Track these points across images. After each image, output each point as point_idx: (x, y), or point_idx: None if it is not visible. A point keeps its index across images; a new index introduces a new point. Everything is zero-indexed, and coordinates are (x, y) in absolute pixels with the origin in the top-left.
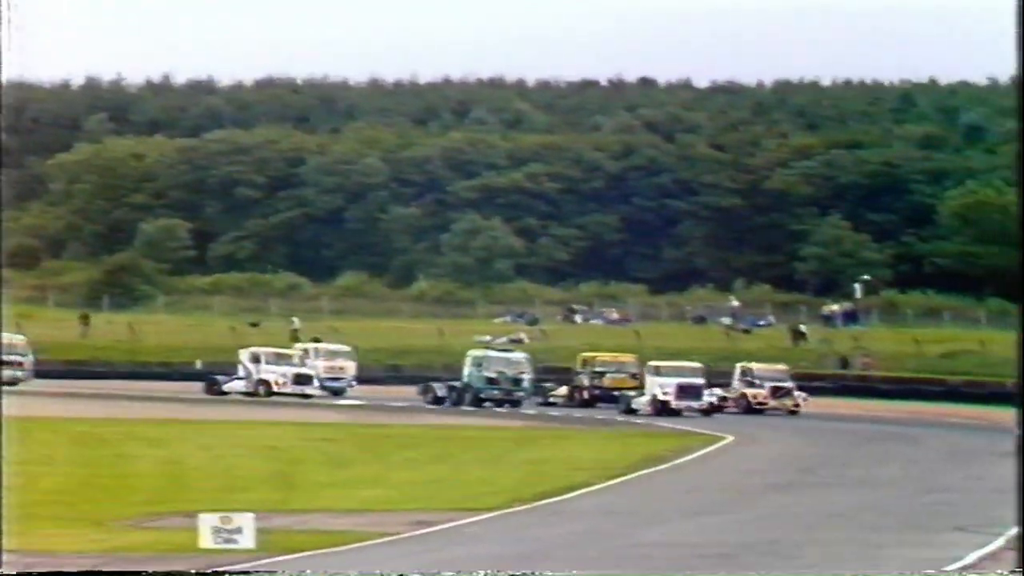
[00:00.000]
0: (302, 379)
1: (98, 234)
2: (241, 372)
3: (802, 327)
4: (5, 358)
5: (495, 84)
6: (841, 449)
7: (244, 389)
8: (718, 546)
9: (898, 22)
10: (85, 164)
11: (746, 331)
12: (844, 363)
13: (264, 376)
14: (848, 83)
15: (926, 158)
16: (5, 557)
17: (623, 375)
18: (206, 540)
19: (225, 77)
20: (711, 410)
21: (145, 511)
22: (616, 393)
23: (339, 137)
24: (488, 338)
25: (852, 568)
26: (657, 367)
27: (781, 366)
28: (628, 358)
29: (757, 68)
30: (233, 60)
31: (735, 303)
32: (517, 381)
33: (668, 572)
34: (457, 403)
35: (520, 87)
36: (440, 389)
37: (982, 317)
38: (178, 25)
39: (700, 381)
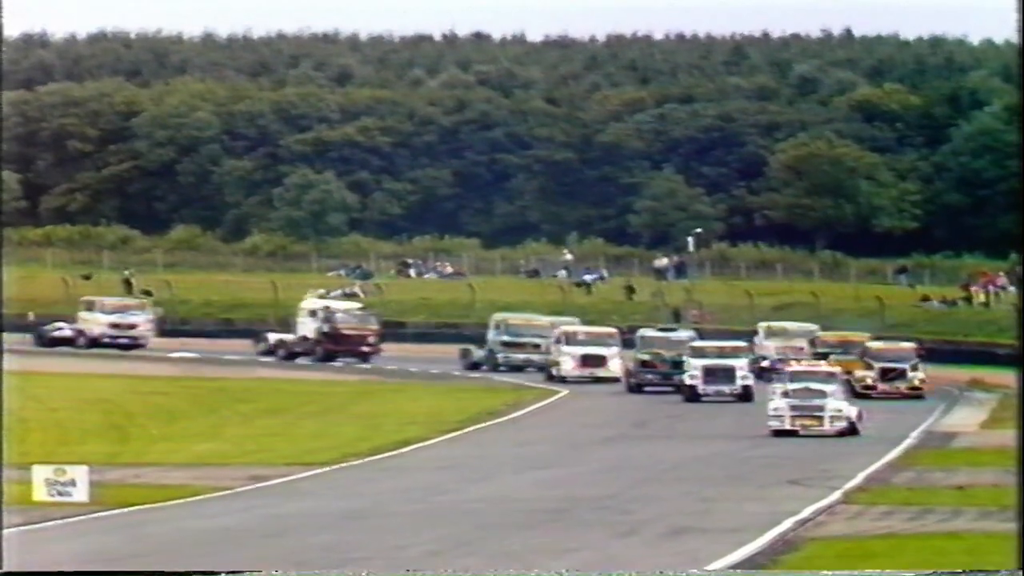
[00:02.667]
0: (591, 360)
1: None
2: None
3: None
4: (519, 341)
5: (328, 39)
6: (672, 403)
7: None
8: (551, 501)
9: None
10: None
11: (579, 284)
12: (676, 316)
13: (558, 357)
14: (681, 37)
15: (759, 111)
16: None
17: (850, 357)
18: (40, 493)
19: (58, 31)
20: (745, 395)
21: None
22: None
23: (171, 90)
24: (322, 291)
25: (685, 522)
26: (701, 348)
27: (907, 344)
28: (859, 337)
29: (590, 22)
30: (66, 14)
31: (569, 257)
32: (677, 364)
33: (500, 527)
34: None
35: (353, 42)
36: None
37: (814, 269)
38: None
39: (734, 363)
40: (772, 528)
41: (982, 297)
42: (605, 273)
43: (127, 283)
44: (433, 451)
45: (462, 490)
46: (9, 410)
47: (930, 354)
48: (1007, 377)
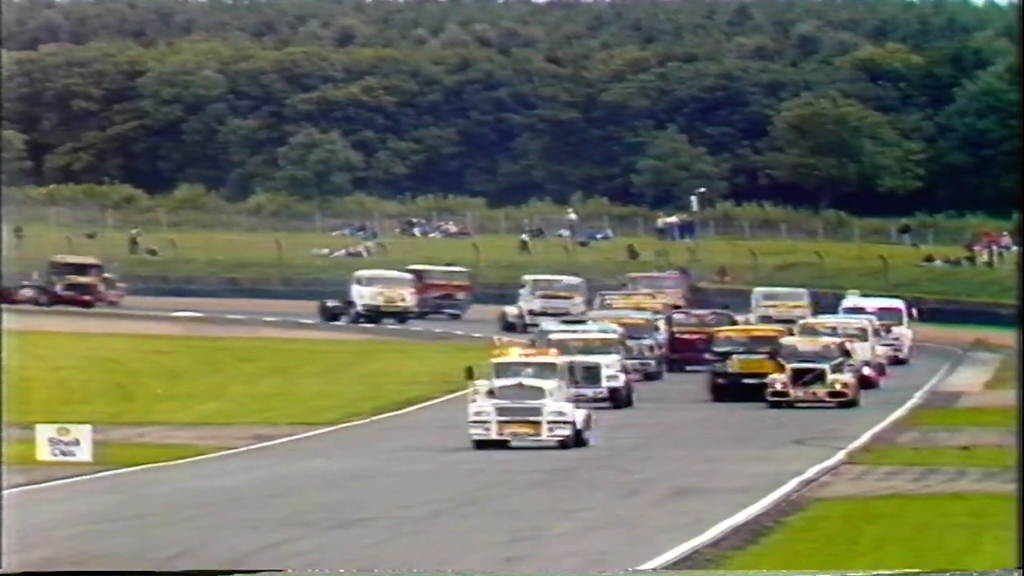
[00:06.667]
0: None
1: None
2: None
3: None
4: None
5: None
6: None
7: None
8: (555, 460)
9: None
10: None
11: (583, 244)
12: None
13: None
14: None
15: (762, 70)
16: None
17: (759, 356)
18: (43, 452)
19: None
20: (615, 399)
21: None
22: (751, 381)
23: (176, 50)
24: (326, 251)
25: (690, 481)
26: (561, 341)
27: (827, 339)
28: (767, 331)
29: None
30: None
31: (573, 216)
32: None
33: (504, 486)
34: None
35: (357, 2)
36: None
37: (818, 228)
38: None
39: (600, 359)
40: (777, 488)
41: (985, 257)
42: (610, 232)
43: (133, 242)
44: (437, 411)
45: (466, 450)
46: (12, 369)
47: (934, 314)
48: (1011, 337)
